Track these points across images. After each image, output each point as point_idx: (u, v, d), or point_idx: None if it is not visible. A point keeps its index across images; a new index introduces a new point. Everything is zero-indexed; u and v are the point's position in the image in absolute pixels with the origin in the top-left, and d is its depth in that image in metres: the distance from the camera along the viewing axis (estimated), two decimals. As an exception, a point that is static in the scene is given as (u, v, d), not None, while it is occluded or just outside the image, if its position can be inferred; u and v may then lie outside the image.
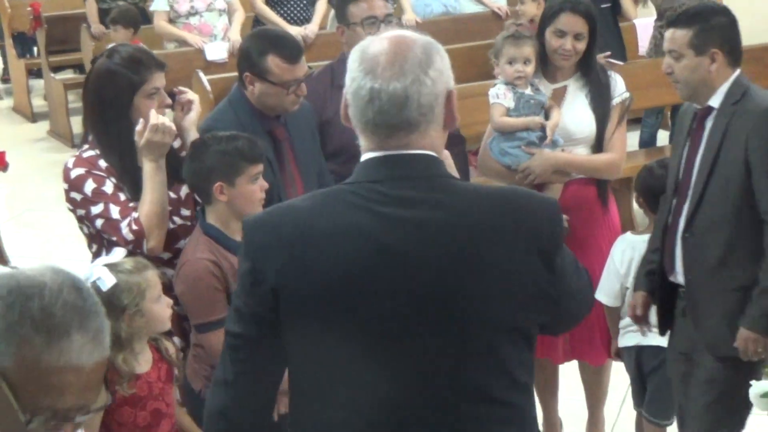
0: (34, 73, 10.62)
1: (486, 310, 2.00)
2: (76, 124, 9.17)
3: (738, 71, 3.41)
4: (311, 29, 7.69)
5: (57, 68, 10.16)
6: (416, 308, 1.97)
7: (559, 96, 4.16)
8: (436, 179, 2.03)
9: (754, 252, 3.30)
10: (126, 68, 3.22)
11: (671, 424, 4.02)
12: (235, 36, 7.67)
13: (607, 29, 6.81)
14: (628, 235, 4.08)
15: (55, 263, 1.63)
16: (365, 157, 2.06)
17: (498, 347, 2.03)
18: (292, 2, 7.83)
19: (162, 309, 3.00)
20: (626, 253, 3.95)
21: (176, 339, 3.40)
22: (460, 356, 2.00)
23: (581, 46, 4.05)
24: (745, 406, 3.36)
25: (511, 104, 4.13)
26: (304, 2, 7.87)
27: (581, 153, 4.14)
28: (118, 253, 3.04)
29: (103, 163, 3.27)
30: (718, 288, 3.42)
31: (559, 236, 2.10)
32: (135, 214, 3.20)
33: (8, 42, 10.37)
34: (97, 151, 3.29)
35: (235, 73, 6.79)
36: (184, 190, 3.41)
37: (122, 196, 3.25)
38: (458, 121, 2.10)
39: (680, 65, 3.40)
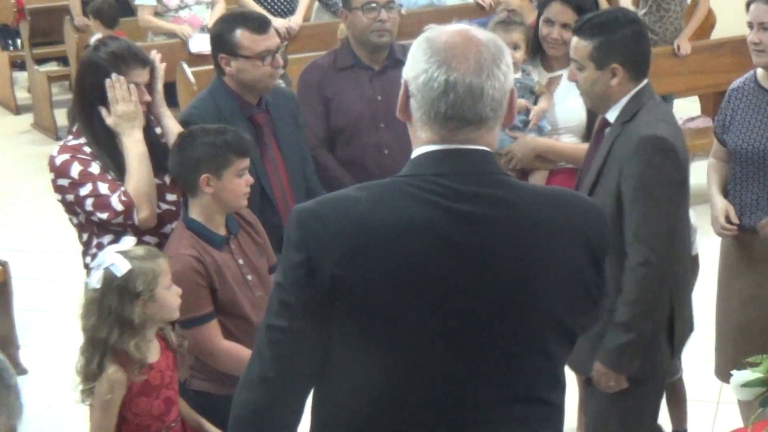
0: (18, 65, 10.58)
1: (544, 308, 1.98)
2: (60, 116, 9.14)
3: (642, 84, 3.25)
4: (295, 20, 7.70)
5: (41, 60, 10.12)
6: (476, 304, 1.95)
7: (554, 85, 4.20)
8: (497, 176, 2.01)
9: (619, 280, 3.11)
10: (107, 62, 3.26)
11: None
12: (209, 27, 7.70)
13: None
14: None
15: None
16: (424, 149, 2.00)
17: (549, 347, 2.02)
18: None
19: (173, 297, 3.00)
20: None
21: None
22: (514, 355, 1.99)
23: (569, 35, 4.00)
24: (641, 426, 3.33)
25: None
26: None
27: (569, 141, 4.17)
28: (129, 241, 3.03)
29: (87, 149, 3.30)
30: None
31: (607, 241, 2.09)
32: (123, 187, 3.24)
33: (-8, 34, 10.35)
34: (82, 140, 3.31)
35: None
36: (169, 176, 3.42)
37: (109, 176, 3.28)
38: (515, 119, 2.07)
39: (582, 76, 3.30)
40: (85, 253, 3.42)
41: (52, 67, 10.53)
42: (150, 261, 2.96)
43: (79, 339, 2.98)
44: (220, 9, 7.87)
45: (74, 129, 3.39)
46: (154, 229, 3.34)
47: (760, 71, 3.88)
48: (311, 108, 4.25)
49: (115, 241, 3.29)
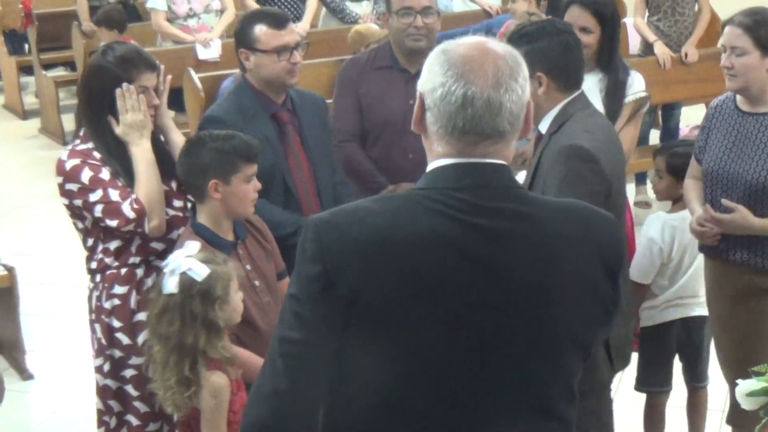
0: (25, 70, 10.60)
1: (563, 323, 1.97)
2: (67, 121, 9.16)
3: (571, 97, 3.25)
4: (302, 27, 7.71)
5: (48, 65, 10.14)
6: (493, 319, 1.93)
7: None
8: (514, 189, 1.99)
9: None
10: (115, 66, 3.26)
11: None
12: (215, 35, 7.75)
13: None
14: (662, 214, 4.12)
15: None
16: (440, 162, 1.97)
17: (566, 361, 2.01)
18: (281, 0, 7.86)
19: (239, 300, 3.03)
20: (667, 233, 3.99)
21: None
22: (529, 370, 1.97)
23: (589, 39, 4.06)
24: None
25: None
26: (295, 0, 7.90)
27: None
28: (194, 246, 3.03)
29: (97, 154, 3.29)
30: None
31: (622, 256, 2.08)
32: (134, 195, 3.24)
33: (-1, 39, 10.37)
34: (90, 144, 3.31)
35: (227, 71, 6.92)
36: (175, 182, 3.41)
37: (120, 182, 3.28)
38: (531, 131, 2.06)
39: None
40: (90, 258, 3.41)
41: (60, 72, 10.56)
42: (224, 265, 2.98)
43: (84, 345, 2.97)
44: (228, 17, 7.90)
45: (81, 133, 3.37)
46: (161, 235, 3.34)
47: None
48: (346, 102, 4.32)
49: (123, 247, 3.31)
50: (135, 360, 3.37)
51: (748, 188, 3.53)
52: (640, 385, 4.17)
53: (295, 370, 1.94)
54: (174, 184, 3.41)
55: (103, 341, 3.38)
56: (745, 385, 2.66)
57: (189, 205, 3.41)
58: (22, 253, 6.56)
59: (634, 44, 7.87)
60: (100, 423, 3.45)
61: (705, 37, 8.02)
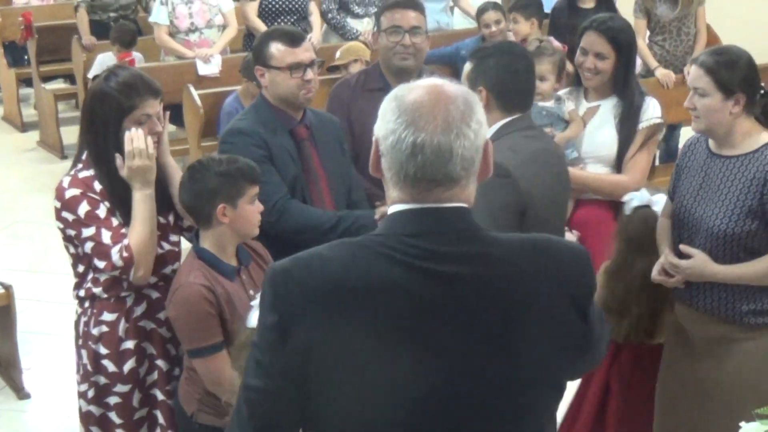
0: (26, 81, 10.58)
1: (528, 363, 1.94)
2: (66, 134, 9.14)
3: (511, 117, 3.34)
4: (315, 38, 7.75)
5: (48, 78, 10.14)
6: (458, 364, 1.91)
7: (591, 115, 4.21)
8: (473, 232, 1.96)
9: None
10: (118, 92, 3.21)
11: None
12: (217, 50, 7.74)
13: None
14: None
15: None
16: (397, 208, 1.96)
17: (535, 400, 1.98)
18: (284, 17, 7.86)
19: None
20: None
21: (160, 361, 3.40)
22: (500, 411, 1.95)
23: (604, 65, 4.07)
24: None
25: None
26: (296, 17, 7.90)
27: (600, 171, 4.16)
28: None
29: (98, 186, 3.26)
30: None
31: (591, 288, 2.05)
32: (126, 241, 3.19)
33: (-1, 51, 10.36)
34: (92, 172, 3.27)
35: (227, 87, 6.91)
36: (172, 216, 3.40)
37: (114, 222, 3.24)
38: (491, 172, 2.04)
39: None
40: (78, 285, 3.38)
41: (59, 85, 10.55)
42: None
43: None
44: (230, 33, 7.89)
45: (84, 157, 3.33)
46: (155, 269, 3.31)
47: None
48: None
49: (114, 280, 3.28)
50: (120, 388, 3.36)
51: (710, 234, 3.40)
52: None
53: (258, 417, 1.96)
54: (171, 218, 3.39)
55: (89, 367, 3.37)
56: (749, 428, 2.63)
57: (192, 232, 3.38)
58: (19, 269, 6.53)
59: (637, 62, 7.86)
60: (82, 449, 3.43)
61: (706, 58, 8.03)
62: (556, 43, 6.03)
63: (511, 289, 1.94)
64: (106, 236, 3.21)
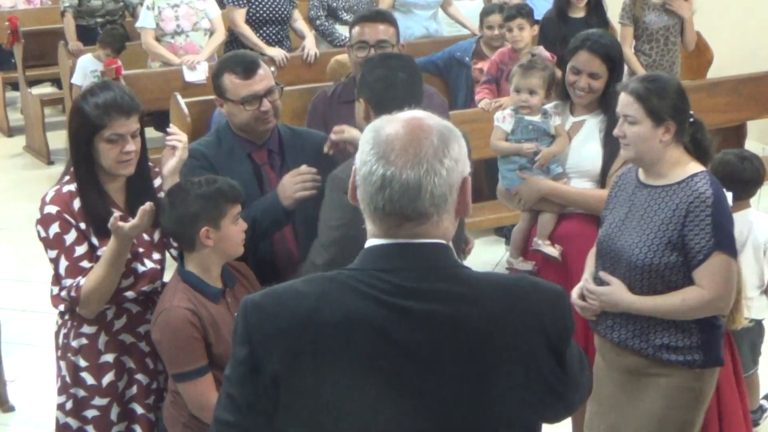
0: (12, 85, 10.51)
1: (498, 406, 1.91)
2: (53, 139, 9.10)
3: None
4: (309, 45, 7.81)
5: (35, 81, 10.08)
6: (424, 406, 1.88)
7: (576, 129, 4.20)
8: (447, 270, 1.93)
9: None
10: (91, 110, 3.20)
11: None
12: (203, 57, 7.70)
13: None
14: None
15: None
16: (372, 243, 1.95)
17: None
18: (269, 26, 7.84)
19: None
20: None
21: (139, 375, 3.38)
22: None
23: (597, 84, 4.06)
24: None
25: (509, 128, 4.26)
26: (281, 26, 7.89)
27: (584, 186, 4.16)
28: None
29: (77, 204, 3.24)
30: None
31: (568, 330, 2.01)
32: (79, 280, 3.19)
33: (-16, 55, 10.30)
34: (75, 186, 3.27)
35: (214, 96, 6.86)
36: (157, 234, 3.38)
37: (78, 250, 3.22)
38: (471, 210, 2.00)
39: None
40: (54, 284, 3.34)
41: (47, 89, 10.49)
42: None
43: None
44: (217, 39, 7.84)
45: (71, 169, 3.32)
46: (135, 286, 3.31)
47: None
48: None
49: None
50: (98, 401, 3.35)
51: (629, 264, 3.34)
52: None
53: None
54: (156, 236, 3.36)
55: (68, 379, 3.37)
56: None
57: (170, 255, 3.36)
58: (3, 278, 6.48)
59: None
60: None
61: (695, 68, 8.03)
62: (546, 54, 6.02)
63: (483, 330, 1.90)
64: (62, 266, 3.22)
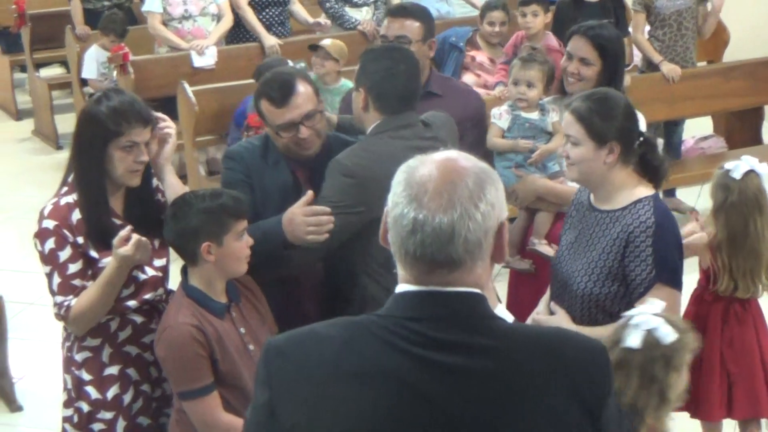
0: (21, 67, 10.43)
1: None
2: (61, 122, 9.05)
3: (383, 119, 3.41)
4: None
5: (42, 64, 10.00)
6: None
7: None
8: (479, 320, 1.83)
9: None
10: (107, 116, 3.11)
11: None
12: (211, 41, 7.61)
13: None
14: None
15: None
16: (402, 288, 1.86)
17: None
18: (271, 7, 7.81)
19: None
20: None
21: (145, 386, 3.33)
22: None
23: (588, 72, 3.97)
24: None
25: (505, 126, 4.20)
26: (282, 8, 7.89)
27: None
28: (659, 304, 2.80)
29: (75, 216, 3.17)
30: None
31: (607, 390, 1.89)
32: (70, 299, 3.14)
33: (-8, 38, 10.24)
34: (75, 198, 3.18)
35: (223, 83, 6.78)
36: (159, 239, 3.30)
37: (72, 268, 3.16)
38: (507, 256, 1.91)
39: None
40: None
41: (55, 70, 10.41)
42: (689, 334, 2.75)
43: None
44: (225, 24, 7.75)
45: (69, 180, 3.25)
46: (136, 294, 3.25)
47: None
48: None
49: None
50: (104, 414, 3.30)
51: (572, 292, 3.21)
52: None
53: None
54: (157, 242, 3.29)
55: (72, 393, 3.33)
56: None
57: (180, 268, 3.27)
58: (10, 269, 6.41)
59: (637, 54, 7.70)
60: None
61: (712, 51, 7.91)
62: (553, 43, 5.94)
63: (515, 387, 1.80)
64: (55, 283, 3.18)
